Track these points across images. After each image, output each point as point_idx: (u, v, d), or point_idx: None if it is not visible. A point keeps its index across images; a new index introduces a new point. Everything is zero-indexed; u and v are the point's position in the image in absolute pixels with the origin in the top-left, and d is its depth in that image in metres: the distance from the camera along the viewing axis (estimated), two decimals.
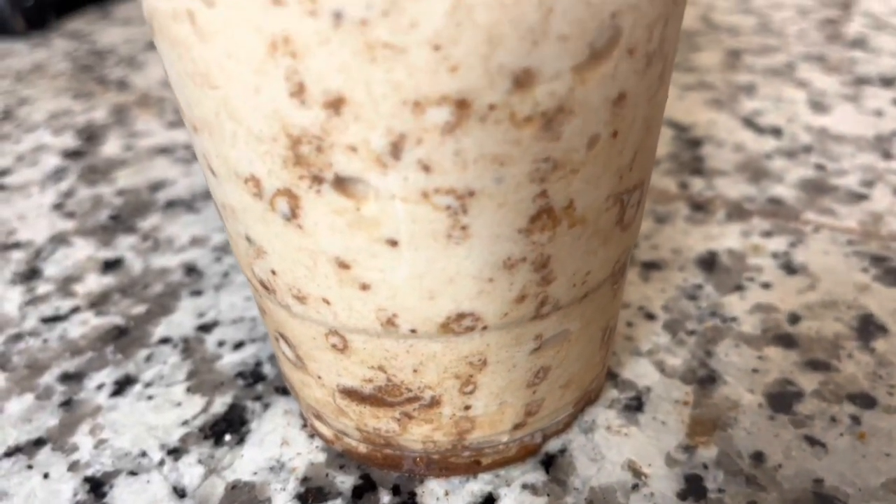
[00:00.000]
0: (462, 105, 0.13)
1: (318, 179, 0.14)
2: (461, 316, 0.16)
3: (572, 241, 0.16)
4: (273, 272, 0.16)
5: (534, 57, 0.13)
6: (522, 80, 0.13)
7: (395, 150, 0.13)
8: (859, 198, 0.28)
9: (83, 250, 0.28)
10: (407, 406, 0.18)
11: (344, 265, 0.15)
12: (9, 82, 0.43)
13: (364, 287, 0.15)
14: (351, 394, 0.18)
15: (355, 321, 0.16)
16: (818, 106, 0.35)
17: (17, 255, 0.28)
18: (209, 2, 0.13)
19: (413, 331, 0.16)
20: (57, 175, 0.33)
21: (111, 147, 0.35)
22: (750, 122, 0.34)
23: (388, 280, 0.15)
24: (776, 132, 0.33)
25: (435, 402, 0.17)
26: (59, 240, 0.29)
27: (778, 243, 0.26)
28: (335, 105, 0.13)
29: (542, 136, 0.14)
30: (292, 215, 0.15)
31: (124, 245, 0.28)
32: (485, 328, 0.16)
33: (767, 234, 0.27)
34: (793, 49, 0.40)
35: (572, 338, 0.18)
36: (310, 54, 0.12)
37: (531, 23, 0.12)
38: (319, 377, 0.18)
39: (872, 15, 0.44)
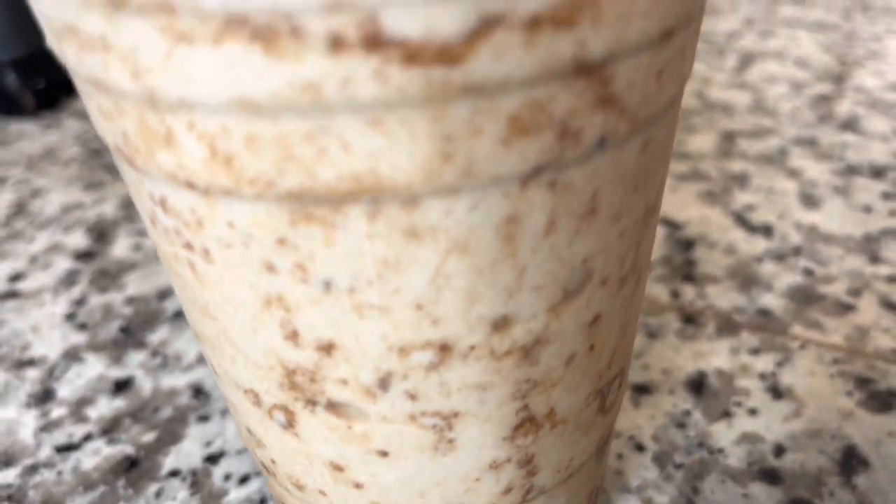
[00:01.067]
0: (444, 348, 0.14)
1: (311, 402, 0.15)
2: None
3: (555, 438, 0.16)
4: (273, 461, 0.17)
5: (510, 306, 0.14)
6: (500, 325, 0.14)
7: (383, 383, 0.14)
8: (846, 309, 0.29)
9: (95, 368, 0.29)
10: None
11: (338, 468, 0.16)
12: (21, 170, 0.44)
13: (357, 486, 0.16)
14: None
15: None
16: (809, 200, 0.35)
17: (32, 374, 0.29)
18: (209, 259, 0.14)
19: None
20: (69, 279, 0.34)
21: (120, 247, 0.36)
22: (742, 219, 0.34)
23: (379, 482, 0.16)
24: (767, 231, 0.33)
25: None
26: (72, 356, 0.30)
27: (765, 362, 0.27)
28: (327, 349, 0.14)
29: (521, 363, 0.15)
30: (288, 425, 0.16)
31: (134, 362, 0.29)
32: None
33: (755, 351, 0.27)
34: (786, 131, 0.41)
35: None
36: (302, 311, 0.13)
37: (507, 281, 0.13)
38: None
39: (865, 90, 0.45)
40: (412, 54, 0.10)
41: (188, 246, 0.14)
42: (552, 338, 0.15)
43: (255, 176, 0.12)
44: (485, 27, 0.10)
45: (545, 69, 0.11)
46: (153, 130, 0.12)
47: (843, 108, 0.43)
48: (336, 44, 0.10)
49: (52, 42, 0.13)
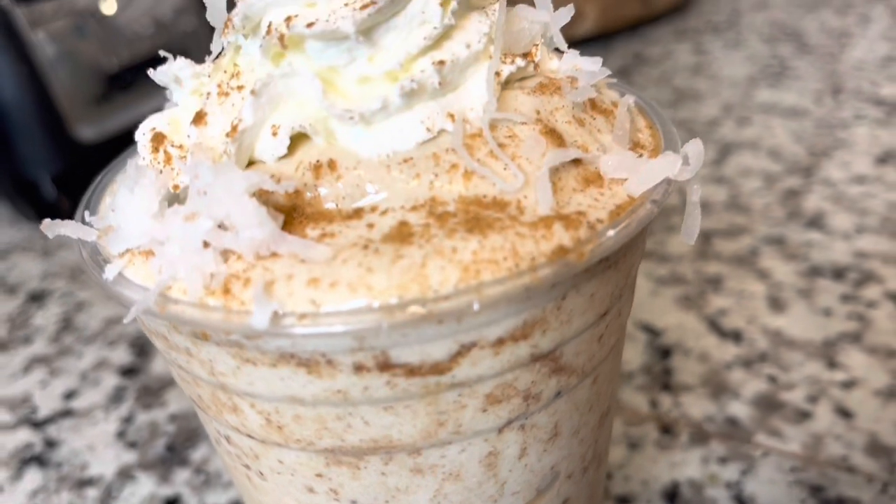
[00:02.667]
0: None
1: None
2: None
3: None
4: None
5: None
6: None
7: None
8: (804, 416, 0.33)
9: (146, 487, 0.33)
10: None
11: None
12: (64, 282, 0.49)
13: None
14: None
15: None
16: (775, 304, 0.39)
17: (92, 493, 0.33)
18: (263, 478, 0.18)
19: None
20: (117, 396, 0.39)
21: (159, 363, 0.41)
22: (714, 325, 0.38)
23: None
24: (737, 336, 0.38)
25: None
26: (125, 475, 0.34)
27: (731, 471, 0.31)
28: None
29: None
30: None
31: (180, 480, 0.33)
32: None
33: (723, 460, 0.31)
34: (757, 229, 0.45)
35: None
36: None
37: (491, 493, 0.17)
38: None
39: (831, 183, 0.49)
40: (413, 370, 0.15)
41: (246, 466, 0.18)
42: None
43: (299, 438, 0.16)
44: (464, 350, 0.14)
45: (509, 364, 0.15)
46: (222, 402, 0.16)
47: (811, 203, 0.47)
48: (358, 368, 0.14)
49: (141, 324, 0.17)
